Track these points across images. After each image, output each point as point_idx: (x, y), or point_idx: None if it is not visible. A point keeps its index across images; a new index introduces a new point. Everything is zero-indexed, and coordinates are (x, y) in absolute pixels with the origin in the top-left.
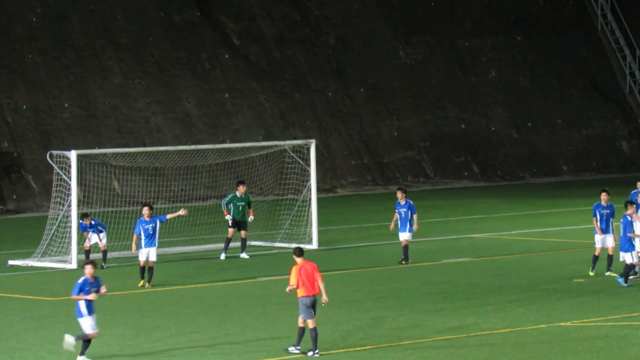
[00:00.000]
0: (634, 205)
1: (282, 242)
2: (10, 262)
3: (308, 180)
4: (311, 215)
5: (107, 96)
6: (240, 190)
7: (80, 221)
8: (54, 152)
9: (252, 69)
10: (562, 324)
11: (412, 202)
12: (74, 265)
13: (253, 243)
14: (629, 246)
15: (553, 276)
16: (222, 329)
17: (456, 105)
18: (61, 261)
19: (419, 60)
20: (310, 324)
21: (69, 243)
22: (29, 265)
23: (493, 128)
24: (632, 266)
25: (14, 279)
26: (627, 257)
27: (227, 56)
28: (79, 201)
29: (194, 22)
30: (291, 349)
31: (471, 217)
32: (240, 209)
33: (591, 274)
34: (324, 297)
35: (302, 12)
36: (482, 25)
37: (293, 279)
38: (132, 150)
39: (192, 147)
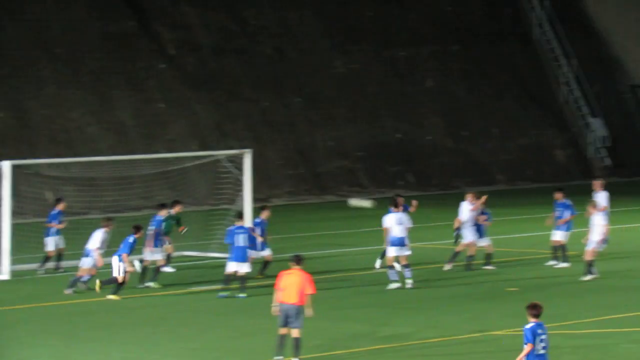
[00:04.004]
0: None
1: (215, 252)
2: None
3: (242, 190)
4: (245, 224)
5: (41, 106)
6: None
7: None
8: None
9: (188, 78)
10: (496, 332)
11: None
12: (6, 276)
13: (185, 253)
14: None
15: (486, 285)
16: (153, 339)
17: (392, 114)
18: None
19: (355, 70)
20: (293, 333)
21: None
22: None
23: (429, 137)
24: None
25: None
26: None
27: (162, 66)
28: (12, 211)
29: (129, 32)
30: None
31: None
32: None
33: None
34: (308, 311)
35: (239, 22)
36: (419, 35)
37: (278, 283)
38: (66, 160)
39: (127, 157)
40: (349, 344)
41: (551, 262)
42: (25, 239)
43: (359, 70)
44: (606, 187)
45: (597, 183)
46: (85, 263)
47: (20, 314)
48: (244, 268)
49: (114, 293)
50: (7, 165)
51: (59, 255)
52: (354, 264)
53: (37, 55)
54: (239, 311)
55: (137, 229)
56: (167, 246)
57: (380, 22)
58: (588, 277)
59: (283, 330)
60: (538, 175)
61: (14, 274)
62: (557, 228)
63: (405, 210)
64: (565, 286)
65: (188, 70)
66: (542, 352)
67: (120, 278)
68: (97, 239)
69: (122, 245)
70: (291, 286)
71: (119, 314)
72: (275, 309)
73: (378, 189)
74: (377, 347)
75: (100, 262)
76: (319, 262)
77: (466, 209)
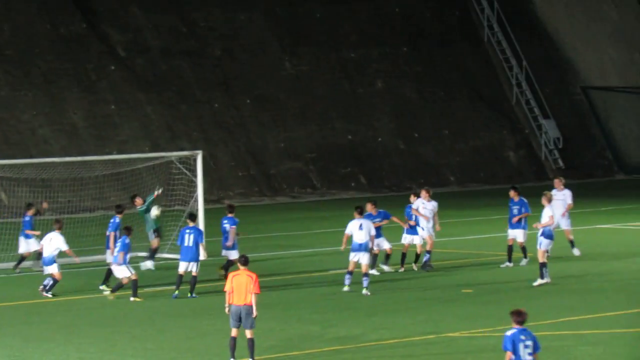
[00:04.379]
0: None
1: (169, 253)
2: None
3: (195, 191)
4: (198, 226)
5: None
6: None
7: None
8: None
9: (138, 80)
10: (450, 334)
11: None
12: None
13: (141, 254)
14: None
15: (440, 286)
16: (110, 340)
17: (343, 116)
18: None
19: (305, 71)
20: (247, 334)
21: None
22: None
23: (380, 139)
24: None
25: None
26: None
27: (113, 68)
28: None
29: (80, 34)
30: None
31: None
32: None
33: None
34: (254, 311)
35: (188, 24)
36: (368, 36)
37: (227, 285)
38: (18, 161)
39: (79, 158)
40: (303, 345)
41: (506, 264)
42: None
43: (309, 72)
44: (567, 185)
45: (557, 181)
46: (53, 269)
47: None
48: (192, 267)
49: (135, 295)
50: None
51: (22, 258)
52: (307, 266)
53: None
54: (194, 312)
55: (129, 230)
56: (153, 240)
57: (329, 23)
58: (538, 283)
59: (235, 332)
60: (491, 177)
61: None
62: (512, 227)
63: (385, 217)
64: (521, 288)
65: (138, 72)
66: (528, 358)
67: (133, 276)
68: (60, 240)
69: (119, 248)
70: (240, 287)
71: (75, 314)
72: (227, 309)
73: (329, 191)
74: (332, 348)
75: (77, 258)
76: (272, 264)
77: (421, 205)
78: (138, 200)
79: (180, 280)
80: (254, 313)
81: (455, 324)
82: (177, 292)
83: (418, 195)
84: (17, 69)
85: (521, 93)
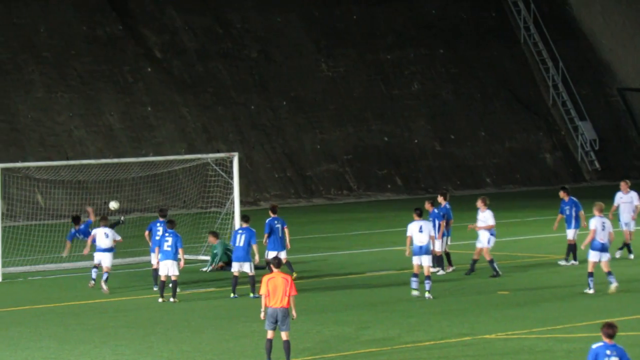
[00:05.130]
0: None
1: (206, 255)
2: None
3: (231, 193)
4: (234, 228)
5: (30, 110)
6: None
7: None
8: None
9: (175, 82)
10: (486, 336)
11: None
12: None
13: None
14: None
15: (477, 288)
16: (145, 342)
17: (379, 117)
18: None
19: (341, 73)
20: (283, 336)
21: None
22: None
23: (416, 141)
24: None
25: None
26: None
27: (149, 69)
28: (2, 214)
29: (116, 36)
30: None
31: (394, 230)
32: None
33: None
34: (293, 313)
35: (224, 25)
36: (404, 38)
37: (262, 289)
38: (55, 163)
39: (115, 160)
40: (338, 347)
41: (572, 262)
42: (16, 242)
43: (345, 74)
44: (633, 187)
45: (624, 184)
46: (108, 260)
47: (13, 316)
48: (244, 267)
49: (174, 296)
50: None
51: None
52: (343, 268)
53: (24, 59)
54: (230, 314)
55: (173, 223)
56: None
57: (365, 25)
58: (590, 291)
59: (271, 334)
60: (527, 179)
61: (5, 276)
62: (569, 227)
63: (444, 214)
64: (557, 290)
65: (174, 74)
66: None
67: (174, 277)
68: (110, 233)
69: (171, 244)
70: (276, 290)
71: (111, 316)
72: (263, 314)
73: (366, 192)
74: (368, 350)
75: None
76: (308, 266)
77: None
78: (212, 238)
79: (235, 282)
80: (294, 314)
81: (492, 325)
82: (233, 294)
83: (445, 197)
84: (54, 70)
85: (557, 94)
